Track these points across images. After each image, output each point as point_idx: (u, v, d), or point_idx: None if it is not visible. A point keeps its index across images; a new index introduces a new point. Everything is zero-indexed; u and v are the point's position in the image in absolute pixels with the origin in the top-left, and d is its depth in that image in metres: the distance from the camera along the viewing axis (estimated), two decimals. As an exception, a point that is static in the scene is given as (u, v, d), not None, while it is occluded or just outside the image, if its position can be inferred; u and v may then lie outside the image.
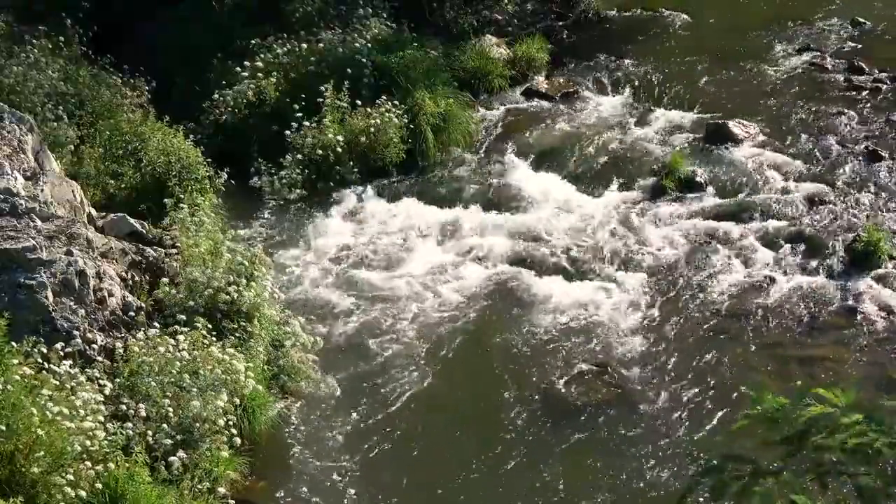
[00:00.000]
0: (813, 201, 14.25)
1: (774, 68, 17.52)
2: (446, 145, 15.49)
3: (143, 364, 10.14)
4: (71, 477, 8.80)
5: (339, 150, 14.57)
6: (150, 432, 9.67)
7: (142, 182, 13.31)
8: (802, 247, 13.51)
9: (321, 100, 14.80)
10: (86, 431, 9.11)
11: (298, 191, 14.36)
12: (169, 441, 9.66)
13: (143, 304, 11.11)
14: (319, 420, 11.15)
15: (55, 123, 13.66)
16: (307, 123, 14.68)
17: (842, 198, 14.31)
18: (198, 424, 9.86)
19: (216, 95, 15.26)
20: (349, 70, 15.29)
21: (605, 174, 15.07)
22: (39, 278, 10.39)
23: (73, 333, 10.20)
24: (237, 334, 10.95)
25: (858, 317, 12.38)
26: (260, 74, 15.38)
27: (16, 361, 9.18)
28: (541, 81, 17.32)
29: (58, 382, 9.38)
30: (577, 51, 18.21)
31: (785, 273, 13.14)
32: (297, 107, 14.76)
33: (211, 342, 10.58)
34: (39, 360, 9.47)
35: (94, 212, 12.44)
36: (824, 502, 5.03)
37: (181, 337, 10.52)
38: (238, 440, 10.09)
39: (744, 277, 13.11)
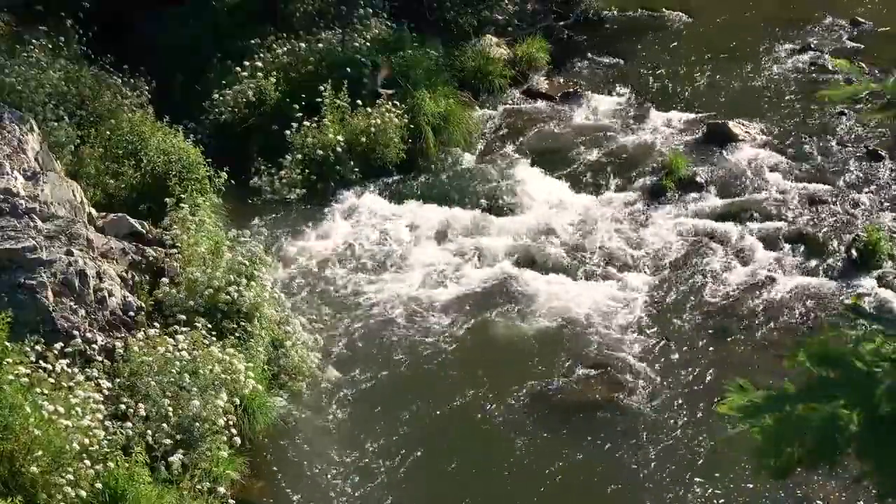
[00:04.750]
0: (813, 201, 14.26)
1: (774, 68, 17.53)
2: (446, 145, 15.49)
3: (142, 364, 10.13)
4: (71, 476, 8.80)
5: (340, 149, 14.58)
6: (149, 432, 9.67)
7: (142, 182, 13.31)
8: (802, 247, 13.51)
9: (321, 100, 14.81)
10: (84, 430, 9.10)
11: (298, 190, 14.36)
12: (169, 441, 9.66)
13: (143, 304, 11.10)
14: (319, 420, 11.15)
15: (56, 123, 13.64)
16: (307, 123, 14.68)
17: (842, 198, 14.31)
18: (197, 424, 9.86)
19: (216, 95, 15.25)
20: (349, 70, 15.29)
21: (604, 174, 15.07)
22: (39, 278, 10.39)
23: (73, 333, 10.19)
24: (237, 334, 10.95)
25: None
26: (260, 74, 15.37)
27: (11, 360, 9.17)
28: (541, 81, 17.33)
29: (54, 381, 9.38)
30: (577, 51, 18.22)
31: (785, 273, 13.14)
32: (297, 107, 14.76)
33: (211, 342, 10.58)
34: (34, 360, 9.46)
35: (94, 212, 12.44)
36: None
37: (181, 337, 10.51)
38: (238, 440, 10.08)
39: (744, 277, 13.11)
